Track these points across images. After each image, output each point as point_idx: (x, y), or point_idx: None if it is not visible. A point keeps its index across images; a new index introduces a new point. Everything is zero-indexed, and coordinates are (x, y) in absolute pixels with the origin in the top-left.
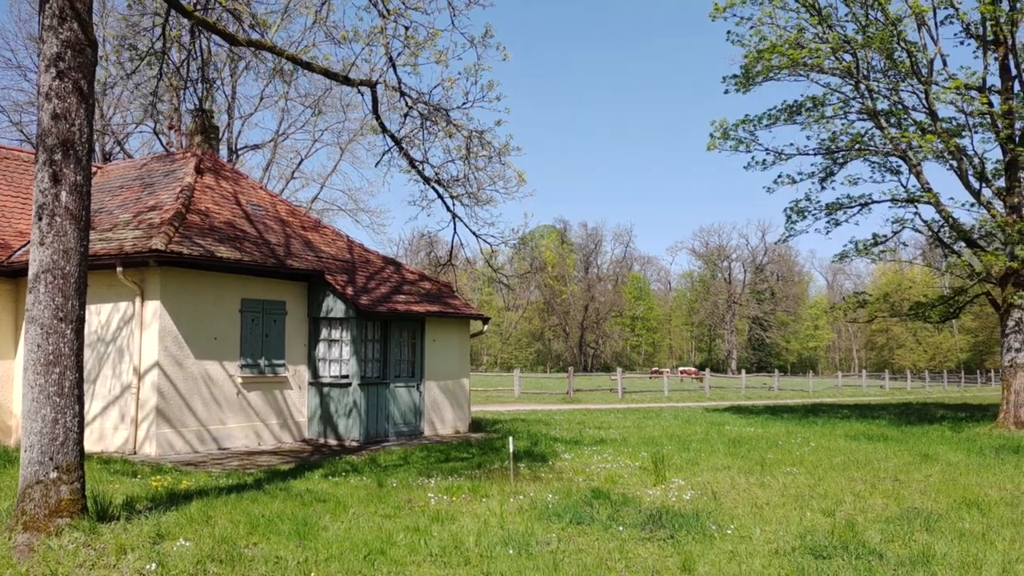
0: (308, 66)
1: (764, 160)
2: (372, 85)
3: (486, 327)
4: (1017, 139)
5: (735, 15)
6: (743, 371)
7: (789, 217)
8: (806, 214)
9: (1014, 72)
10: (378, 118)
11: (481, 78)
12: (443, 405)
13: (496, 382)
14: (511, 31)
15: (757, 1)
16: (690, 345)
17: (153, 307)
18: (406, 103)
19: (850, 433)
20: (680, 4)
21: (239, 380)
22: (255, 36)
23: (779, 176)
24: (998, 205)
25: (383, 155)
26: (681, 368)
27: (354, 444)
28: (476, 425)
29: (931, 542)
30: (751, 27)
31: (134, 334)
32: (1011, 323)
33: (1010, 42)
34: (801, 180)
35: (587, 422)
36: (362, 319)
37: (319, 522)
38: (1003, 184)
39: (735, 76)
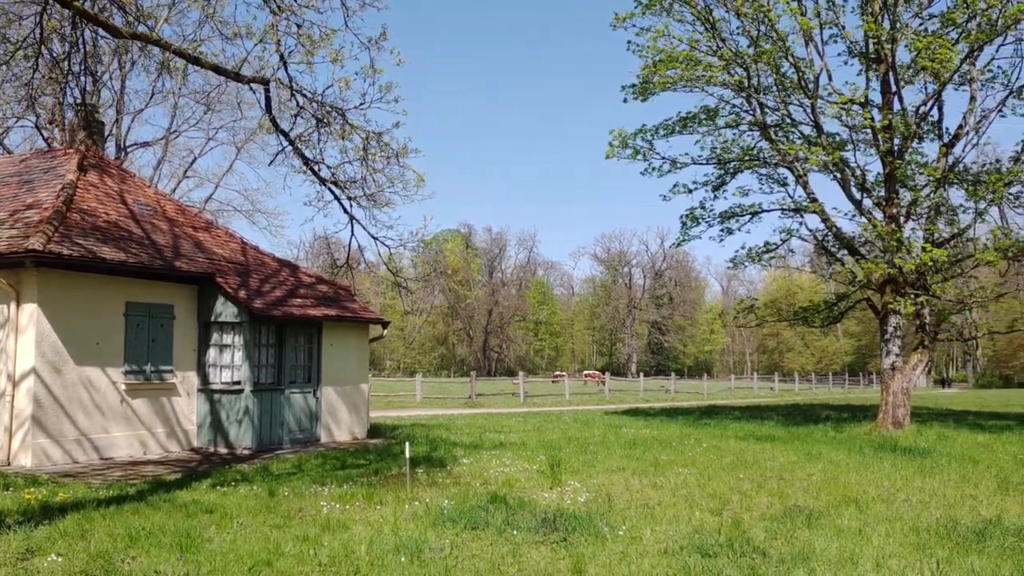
0: (196, 61)
1: (660, 168)
2: (264, 82)
3: (386, 331)
4: (896, 152)
5: (635, 26)
6: (641, 374)
7: (684, 224)
8: (700, 221)
9: (894, 88)
10: (271, 116)
11: (379, 79)
12: (341, 411)
13: (398, 387)
14: (416, 34)
15: (655, 13)
16: (592, 349)
17: (29, 311)
18: (297, 102)
19: (740, 434)
20: (587, 11)
21: (123, 387)
22: (142, 29)
23: (675, 185)
24: (878, 215)
25: (277, 154)
26: (585, 372)
27: (246, 452)
28: (375, 431)
29: (811, 539)
30: (649, 38)
31: (9, 339)
32: (889, 328)
33: (891, 59)
34: (695, 189)
35: (488, 426)
36: (255, 323)
37: (203, 534)
38: (883, 195)
39: (634, 85)
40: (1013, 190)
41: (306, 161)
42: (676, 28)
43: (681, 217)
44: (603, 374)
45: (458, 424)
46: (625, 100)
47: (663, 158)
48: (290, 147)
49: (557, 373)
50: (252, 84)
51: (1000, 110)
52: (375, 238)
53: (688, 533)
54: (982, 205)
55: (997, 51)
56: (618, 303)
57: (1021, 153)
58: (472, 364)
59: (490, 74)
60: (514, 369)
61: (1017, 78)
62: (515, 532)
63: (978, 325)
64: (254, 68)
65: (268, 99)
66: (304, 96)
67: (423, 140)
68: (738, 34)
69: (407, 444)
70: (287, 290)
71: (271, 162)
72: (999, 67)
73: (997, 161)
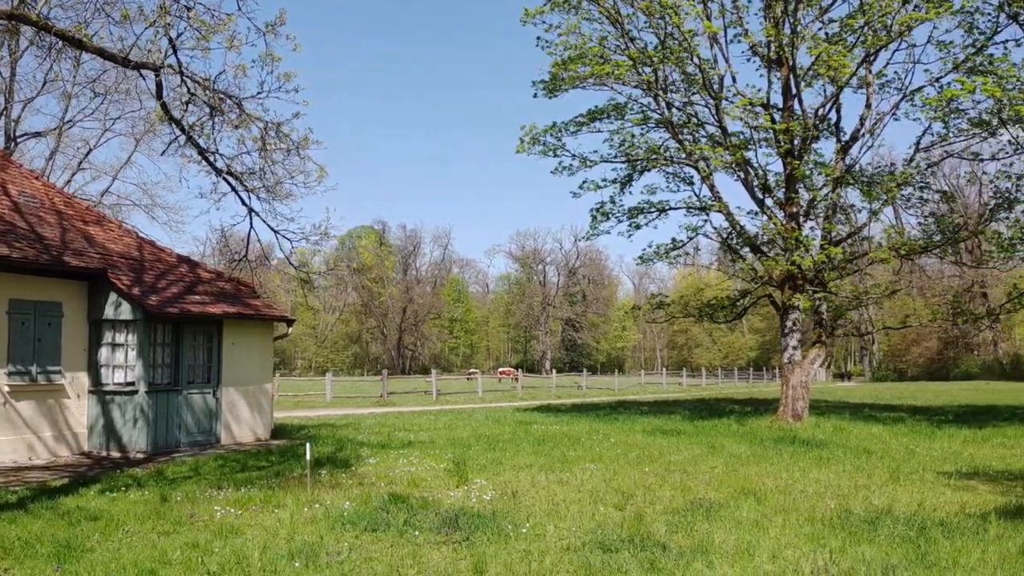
0: (80, 44)
1: (571, 165)
2: (155, 69)
3: (291, 329)
4: (796, 153)
5: (544, 22)
6: (554, 371)
7: (594, 218)
8: (610, 216)
9: (795, 91)
10: (163, 104)
11: (278, 67)
12: (243, 411)
13: (308, 386)
14: (326, 25)
15: (565, 10)
16: (507, 346)
17: None
18: (188, 88)
19: (648, 428)
20: (502, 5)
21: (6, 389)
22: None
23: (584, 181)
24: (779, 214)
25: (170, 144)
26: (500, 369)
27: (140, 456)
28: (280, 432)
29: (711, 531)
30: (559, 35)
31: None
32: (789, 323)
33: (791, 63)
34: (605, 186)
35: (398, 425)
36: (151, 321)
37: (85, 543)
38: (783, 195)
39: (544, 82)
40: (906, 191)
41: (201, 151)
42: (585, 26)
43: (591, 211)
44: (517, 371)
45: (367, 423)
46: (535, 95)
47: (573, 155)
48: (184, 136)
49: (471, 371)
50: (142, 70)
51: (894, 113)
52: (275, 231)
53: (591, 529)
54: (876, 205)
55: (892, 56)
56: (533, 300)
57: (913, 155)
58: (386, 362)
59: (405, 68)
60: (429, 367)
61: (910, 82)
62: (417, 533)
63: (873, 321)
64: (148, 54)
65: (160, 86)
66: (195, 82)
67: (334, 133)
68: (646, 32)
69: (308, 444)
70: (185, 287)
71: (164, 152)
72: (894, 72)
73: (892, 164)
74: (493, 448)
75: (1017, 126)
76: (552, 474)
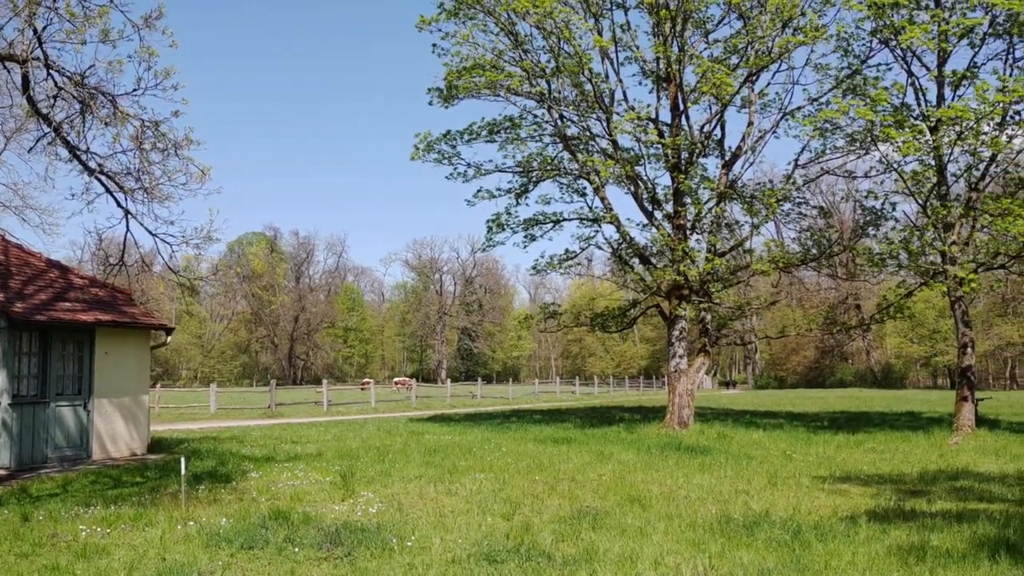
0: None
1: (465, 173)
2: (21, 61)
3: (170, 338)
4: (683, 168)
5: (440, 30)
6: (449, 380)
7: (490, 228)
8: (505, 227)
9: (682, 108)
10: (29, 97)
11: (156, 64)
12: (117, 424)
13: (192, 398)
14: (220, 26)
15: (460, 20)
16: (403, 356)
17: None
18: (55, 81)
19: (540, 437)
20: (398, 11)
21: None
22: None
23: (480, 190)
24: (667, 226)
25: (37, 140)
26: (395, 379)
27: (3, 472)
28: (158, 445)
29: (596, 539)
30: (454, 43)
31: None
32: (676, 332)
33: (679, 80)
34: (500, 196)
35: (285, 437)
36: (15, 329)
37: None
38: (671, 208)
39: (439, 90)
40: (785, 206)
41: (71, 149)
42: (480, 36)
43: (487, 222)
44: (412, 381)
45: (253, 436)
46: (431, 103)
47: (468, 164)
48: (53, 133)
49: (365, 381)
50: (6, 63)
51: (775, 131)
52: (154, 235)
53: (478, 540)
54: (758, 219)
55: (773, 77)
56: (429, 309)
57: (792, 172)
58: (276, 373)
59: (299, 74)
60: (321, 377)
61: (789, 102)
62: (297, 550)
63: (755, 330)
64: (13, 46)
65: (26, 79)
66: (63, 76)
67: (223, 138)
68: (541, 47)
69: (183, 459)
70: (55, 293)
71: (31, 149)
72: (775, 92)
73: (772, 181)
74: (383, 459)
75: (887, 146)
76: (441, 485)
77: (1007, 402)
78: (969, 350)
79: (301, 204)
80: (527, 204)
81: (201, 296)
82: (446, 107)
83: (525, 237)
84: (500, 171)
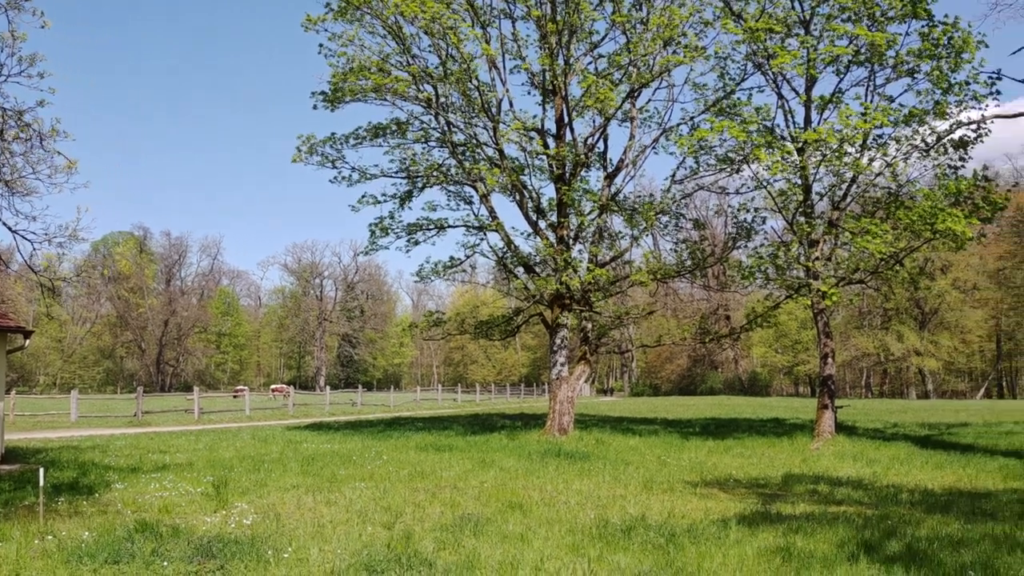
0: None
1: (350, 177)
2: None
3: (27, 342)
4: (566, 179)
5: (327, 30)
6: (328, 387)
7: (373, 232)
8: (389, 232)
9: (567, 120)
10: None
11: (20, 49)
12: None
13: (50, 405)
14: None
15: (348, 20)
16: (280, 362)
17: None
18: None
19: (421, 445)
20: (282, 12)
21: None
22: None
23: (364, 195)
24: (551, 236)
25: None
26: (273, 386)
27: None
28: (13, 456)
29: (478, 546)
30: (341, 44)
31: None
32: (558, 341)
33: (564, 93)
34: (384, 201)
35: (153, 447)
36: None
37: None
38: (555, 219)
39: (324, 93)
40: (663, 219)
41: None
42: (368, 38)
43: (370, 226)
44: (289, 388)
45: (117, 445)
46: (315, 107)
47: (353, 168)
48: None
49: (239, 388)
50: None
51: (654, 147)
52: (13, 231)
53: (357, 550)
54: (637, 231)
55: (654, 93)
56: (308, 315)
57: (670, 187)
58: (143, 379)
59: (176, 70)
60: (192, 384)
61: (669, 119)
62: (165, 564)
63: (632, 339)
64: None
65: None
66: None
67: (92, 131)
68: (428, 52)
69: (41, 470)
70: None
71: None
72: (655, 108)
73: (651, 195)
74: (258, 469)
75: (757, 165)
76: (320, 495)
77: (863, 410)
78: (830, 360)
79: (174, 204)
80: (412, 209)
81: (63, 298)
82: (332, 110)
83: (409, 242)
84: (386, 176)
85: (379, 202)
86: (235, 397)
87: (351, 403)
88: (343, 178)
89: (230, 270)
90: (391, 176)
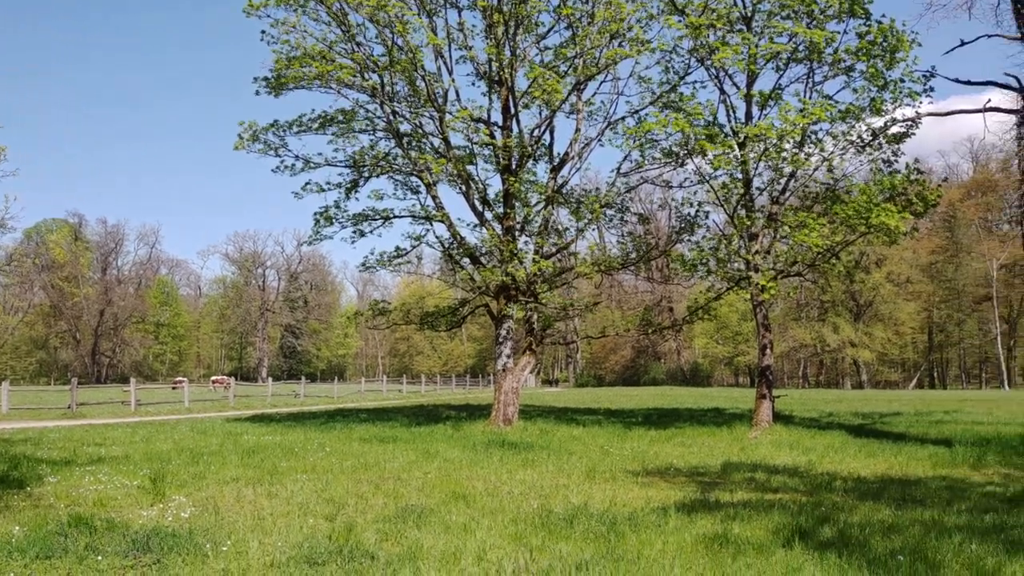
0: None
1: (293, 166)
2: None
3: None
4: (513, 171)
5: (269, 16)
6: (270, 379)
7: (318, 222)
8: (334, 221)
9: (513, 111)
10: None
11: None
12: None
13: None
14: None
15: (291, 6)
16: (220, 353)
17: None
18: None
19: (365, 436)
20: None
21: None
22: None
23: (308, 183)
24: (497, 227)
25: None
26: (213, 378)
27: None
28: None
29: (421, 537)
30: (284, 31)
31: None
32: (503, 332)
33: (511, 84)
34: (329, 189)
35: (88, 439)
36: None
37: None
38: (501, 210)
39: (267, 79)
40: (608, 212)
41: None
42: (312, 25)
43: (315, 215)
44: (230, 379)
45: (51, 438)
46: (257, 93)
47: (296, 156)
48: None
49: (177, 379)
50: None
51: (600, 139)
52: None
53: (298, 542)
54: (582, 223)
55: (600, 86)
56: (250, 305)
57: (615, 180)
58: (78, 370)
59: (114, 54)
60: (129, 375)
61: (614, 112)
62: (100, 558)
63: (577, 331)
64: None
65: None
66: None
67: (25, 120)
68: (375, 42)
69: None
70: None
71: None
72: (601, 101)
73: (596, 188)
74: (196, 462)
75: (700, 158)
76: (261, 487)
77: (800, 400)
78: (768, 351)
79: (110, 191)
80: (357, 199)
81: None
82: (275, 96)
83: (354, 233)
84: (330, 165)
85: (324, 190)
86: (174, 389)
87: (294, 394)
88: (286, 167)
89: (169, 259)
90: (336, 165)
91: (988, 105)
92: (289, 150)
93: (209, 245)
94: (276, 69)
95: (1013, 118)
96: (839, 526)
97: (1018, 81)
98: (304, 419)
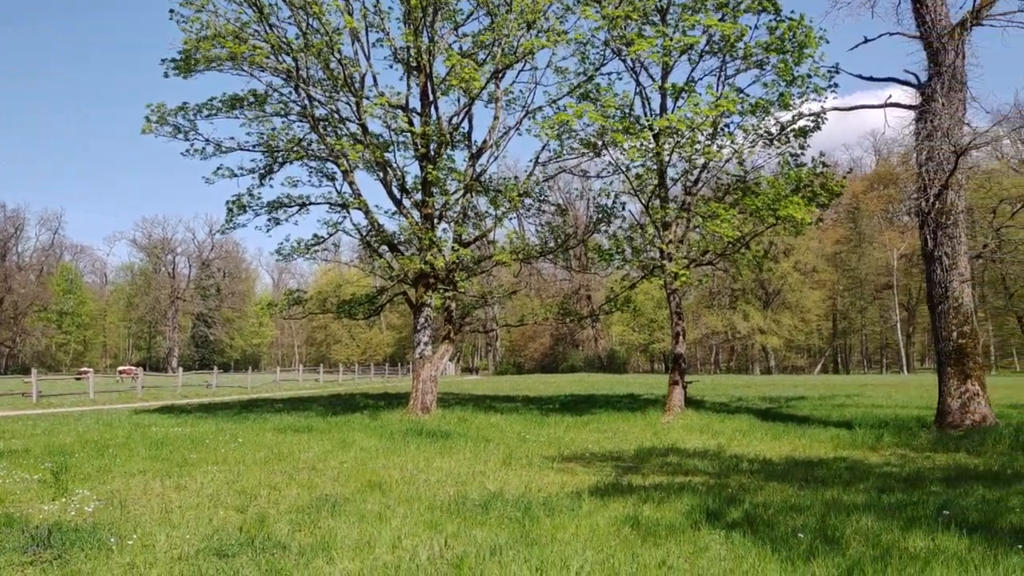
0: None
1: (204, 150)
2: None
3: None
4: (431, 158)
5: None
6: (181, 369)
7: (231, 210)
8: (248, 209)
9: (432, 98)
10: None
11: None
12: None
13: None
14: None
15: None
16: (128, 343)
17: None
18: None
19: (279, 426)
20: None
21: None
22: None
23: (220, 168)
24: (416, 215)
25: None
26: (120, 368)
27: None
28: None
29: (335, 527)
30: (193, 10)
31: None
32: (422, 320)
33: (429, 70)
34: (242, 175)
35: None
36: None
37: None
38: (420, 197)
39: (175, 60)
40: (527, 201)
41: None
42: (223, 5)
43: (227, 203)
44: (138, 370)
45: None
46: (166, 75)
47: (207, 140)
48: None
49: (82, 370)
50: None
51: (518, 128)
52: None
53: (208, 535)
54: (501, 212)
55: (518, 75)
56: (160, 293)
57: (533, 169)
58: None
59: (17, 30)
60: (31, 366)
61: (532, 101)
62: None
63: (497, 319)
64: None
65: None
66: None
67: None
68: (289, 23)
69: None
70: None
71: None
72: (519, 90)
73: (515, 177)
74: (102, 455)
75: (616, 149)
76: (169, 480)
77: (712, 385)
78: (681, 338)
79: (8, 174)
80: (271, 186)
81: None
82: (184, 77)
83: (269, 220)
84: (243, 150)
85: (236, 176)
86: (78, 379)
87: (206, 385)
88: (196, 151)
89: (72, 245)
90: (249, 150)
91: (889, 101)
92: (199, 134)
93: (116, 231)
94: (185, 50)
95: (912, 113)
96: (745, 507)
97: (917, 78)
98: (216, 410)
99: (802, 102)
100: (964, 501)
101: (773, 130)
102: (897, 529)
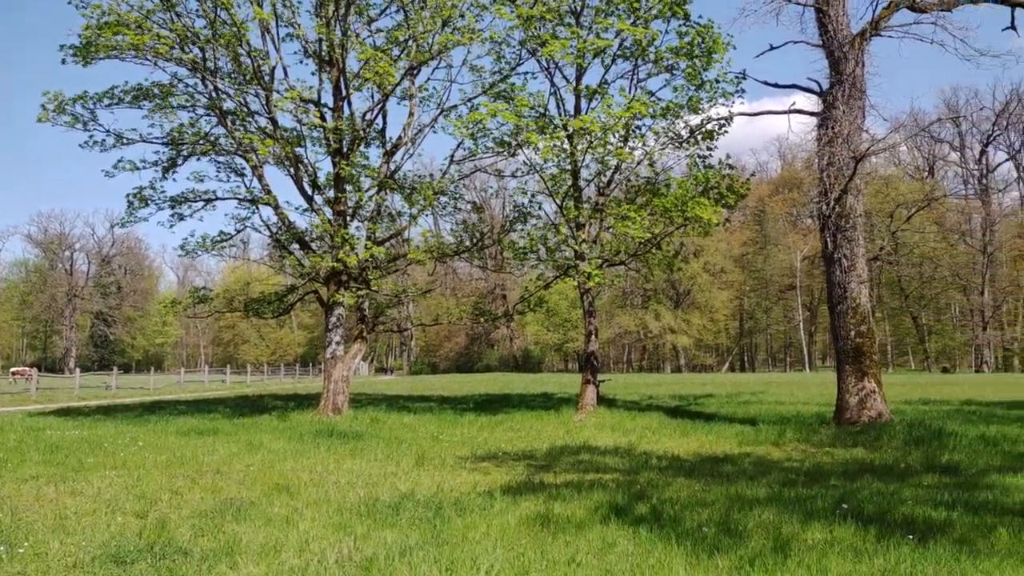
0: None
1: (104, 141)
2: None
3: None
4: (344, 154)
5: None
6: (78, 370)
7: (131, 204)
8: (150, 203)
9: (345, 93)
10: None
11: None
12: None
13: None
14: None
15: None
16: (22, 343)
17: None
18: None
19: (183, 429)
20: None
21: None
22: None
23: (120, 160)
24: (328, 212)
25: None
26: (13, 368)
27: None
28: None
29: (239, 532)
30: None
31: None
32: (333, 319)
33: (342, 65)
34: (144, 168)
35: None
36: None
37: None
38: (332, 194)
39: (74, 47)
40: (442, 199)
41: None
42: None
43: (128, 196)
44: (32, 371)
45: None
46: (64, 61)
47: (108, 131)
48: None
49: None
50: None
51: (433, 126)
52: None
53: (105, 541)
54: (416, 210)
55: (433, 73)
56: (56, 291)
57: (448, 167)
58: None
59: None
60: None
61: (447, 99)
62: None
63: (411, 318)
64: None
65: None
66: None
67: None
68: (196, 13)
69: None
70: None
71: None
72: (434, 87)
73: (430, 175)
74: None
75: (530, 149)
76: (64, 485)
77: (624, 383)
78: (594, 337)
79: None
80: (175, 180)
81: None
82: (84, 65)
83: (173, 215)
84: (146, 142)
85: (138, 168)
86: None
87: (105, 386)
88: (96, 142)
89: None
90: (152, 142)
91: (793, 107)
92: (100, 124)
93: (8, 225)
94: (85, 36)
95: (815, 120)
96: (653, 502)
97: (819, 85)
98: (116, 412)
99: (710, 106)
100: (860, 494)
101: (682, 133)
102: (797, 522)
